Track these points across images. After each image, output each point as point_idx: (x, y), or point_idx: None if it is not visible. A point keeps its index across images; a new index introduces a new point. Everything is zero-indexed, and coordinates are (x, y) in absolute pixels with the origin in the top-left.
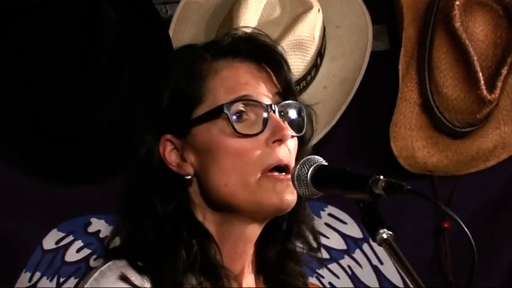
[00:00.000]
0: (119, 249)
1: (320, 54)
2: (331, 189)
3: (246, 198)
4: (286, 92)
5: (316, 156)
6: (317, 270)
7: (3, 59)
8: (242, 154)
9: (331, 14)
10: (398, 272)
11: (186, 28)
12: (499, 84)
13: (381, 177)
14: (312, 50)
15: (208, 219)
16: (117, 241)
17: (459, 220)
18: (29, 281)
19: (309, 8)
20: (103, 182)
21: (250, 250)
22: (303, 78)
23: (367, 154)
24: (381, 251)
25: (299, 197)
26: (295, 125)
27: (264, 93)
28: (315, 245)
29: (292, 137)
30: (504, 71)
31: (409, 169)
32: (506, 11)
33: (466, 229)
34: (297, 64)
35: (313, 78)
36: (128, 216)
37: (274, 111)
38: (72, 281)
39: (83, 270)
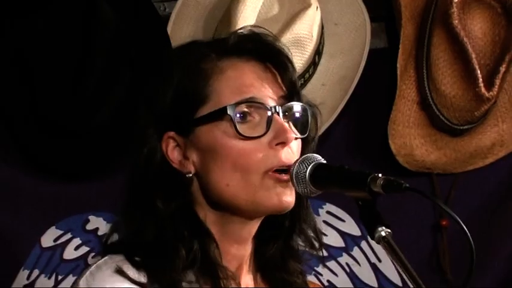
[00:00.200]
0: (117, 244)
1: (318, 51)
2: (330, 187)
3: (246, 198)
4: (290, 92)
5: (315, 154)
6: (315, 268)
7: (2, 58)
8: (244, 155)
9: (329, 11)
10: (397, 270)
11: (184, 25)
12: (497, 81)
13: (380, 175)
14: (310, 47)
15: (209, 218)
16: (115, 238)
17: (457, 218)
18: (27, 278)
19: (308, 5)
20: (102, 180)
21: (248, 248)
22: (301, 75)
23: (366, 152)
24: (379, 248)
25: (301, 195)
26: (299, 126)
27: (269, 95)
28: (316, 243)
29: (296, 138)
30: (502, 69)
31: (407, 167)
32: (504, 8)
33: (464, 227)
34: (295, 62)
35: (311, 76)
36: (129, 213)
37: (278, 113)
38: (71, 279)
39: (81, 267)
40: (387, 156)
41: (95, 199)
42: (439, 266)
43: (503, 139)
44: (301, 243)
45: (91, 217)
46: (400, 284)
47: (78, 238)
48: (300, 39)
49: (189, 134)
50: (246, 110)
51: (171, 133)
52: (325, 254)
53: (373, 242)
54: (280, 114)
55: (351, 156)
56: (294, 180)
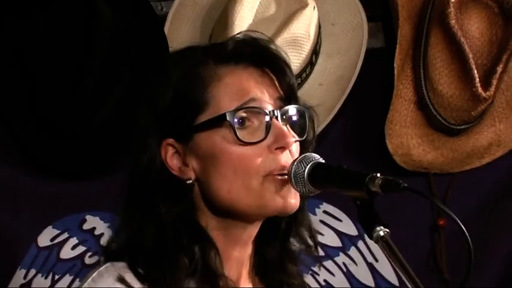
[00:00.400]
0: (119, 251)
1: (315, 51)
2: (328, 187)
3: (250, 203)
4: (288, 96)
5: (313, 154)
6: (312, 268)
7: (2, 58)
8: (244, 161)
9: (326, 11)
10: (394, 270)
11: (181, 25)
12: (494, 81)
13: (378, 174)
14: (307, 47)
15: (210, 224)
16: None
17: (455, 217)
18: (24, 278)
19: (305, 5)
20: (101, 179)
21: (249, 250)
22: (298, 75)
23: (363, 151)
24: (376, 248)
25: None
26: (298, 129)
27: (267, 99)
28: (311, 243)
29: (295, 141)
30: (499, 69)
31: (404, 166)
32: (501, 8)
33: (462, 226)
34: (292, 61)
35: (308, 76)
36: (129, 219)
37: (276, 117)
38: (67, 278)
39: (78, 267)
40: (384, 156)
41: (94, 199)
42: (437, 266)
43: (500, 139)
44: (296, 244)
45: (88, 217)
46: (397, 283)
47: (75, 238)
48: (297, 39)
49: (188, 140)
50: (244, 115)
51: (170, 140)
52: (322, 253)
53: (370, 241)
54: (279, 118)
55: (348, 156)
56: (293, 180)
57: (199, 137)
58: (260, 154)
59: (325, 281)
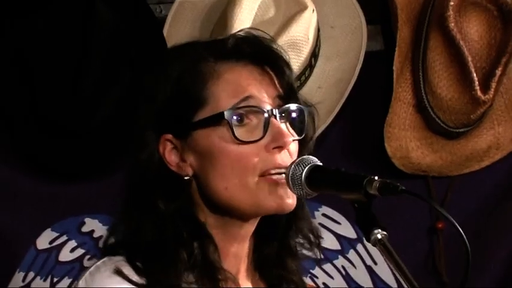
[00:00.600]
0: (116, 246)
1: (314, 54)
2: (326, 190)
3: (246, 201)
4: (287, 94)
5: (311, 156)
6: (311, 271)
7: (2, 58)
8: (242, 159)
9: (325, 14)
10: (392, 273)
11: (180, 28)
12: (493, 84)
13: (376, 177)
14: (306, 50)
15: (208, 219)
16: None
17: (453, 220)
18: (23, 280)
19: (304, 8)
20: (101, 180)
21: (247, 246)
22: (297, 78)
23: (361, 154)
24: (374, 251)
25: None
26: (297, 128)
27: (265, 98)
28: (314, 240)
29: (293, 140)
30: (498, 72)
31: (403, 169)
32: (500, 11)
33: (460, 229)
34: (291, 64)
35: (307, 79)
36: (128, 214)
37: (275, 116)
38: (66, 281)
39: (76, 270)
40: (383, 159)
41: (94, 199)
42: (435, 269)
43: (499, 142)
44: (299, 240)
45: (87, 219)
46: (395, 286)
47: (74, 240)
48: (296, 42)
49: (187, 137)
50: (242, 112)
51: (168, 136)
52: (321, 256)
53: (369, 244)
54: (277, 116)
55: (347, 159)
56: (290, 182)
57: (197, 134)
58: (257, 153)
59: (324, 284)
